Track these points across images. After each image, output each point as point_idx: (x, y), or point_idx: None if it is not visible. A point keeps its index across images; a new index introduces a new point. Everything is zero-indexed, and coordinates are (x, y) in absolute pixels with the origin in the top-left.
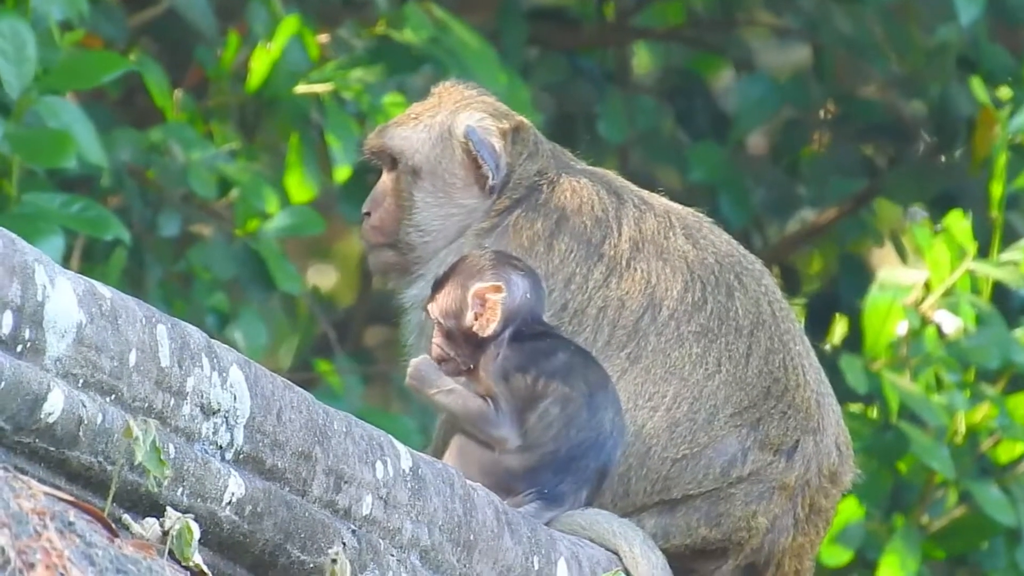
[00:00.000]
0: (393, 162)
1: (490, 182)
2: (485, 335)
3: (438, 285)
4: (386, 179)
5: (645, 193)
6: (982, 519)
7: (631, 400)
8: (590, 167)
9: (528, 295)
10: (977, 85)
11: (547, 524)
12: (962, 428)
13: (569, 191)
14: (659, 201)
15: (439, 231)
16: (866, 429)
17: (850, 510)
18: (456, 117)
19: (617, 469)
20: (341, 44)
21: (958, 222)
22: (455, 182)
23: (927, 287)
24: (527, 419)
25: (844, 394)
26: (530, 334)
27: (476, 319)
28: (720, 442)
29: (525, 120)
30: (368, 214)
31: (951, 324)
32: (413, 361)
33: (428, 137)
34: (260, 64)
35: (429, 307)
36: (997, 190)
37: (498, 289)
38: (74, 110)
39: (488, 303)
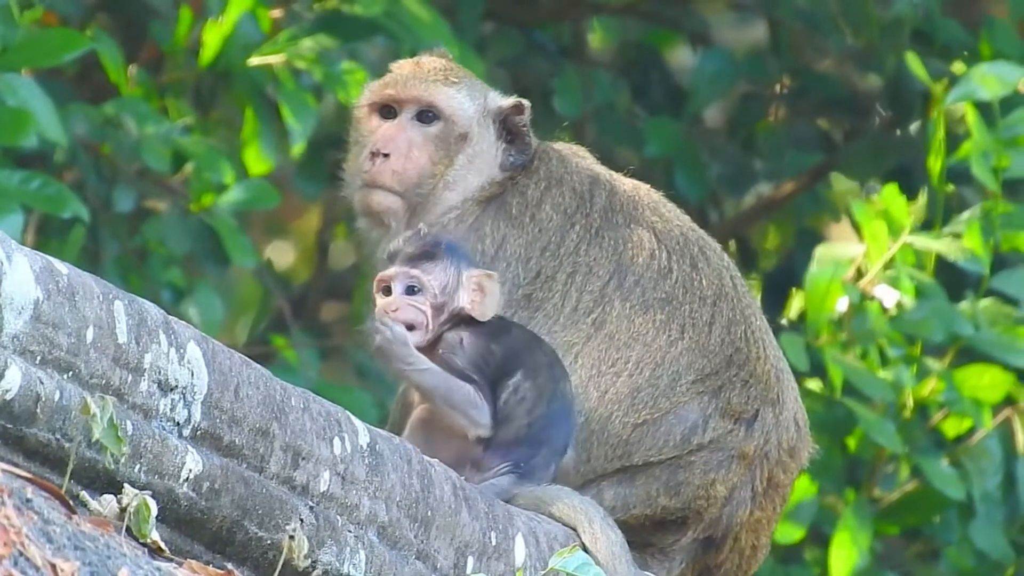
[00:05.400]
0: (430, 117)
1: (516, 162)
2: (483, 319)
3: (430, 255)
4: (413, 129)
5: (612, 172)
6: (934, 493)
7: (595, 366)
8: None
9: None
10: (914, 61)
11: (508, 501)
12: (910, 403)
13: (557, 162)
14: (626, 179)
15: (460, 192)
16: (819, 405)
17: (803, 487)
18: (488, 93)
19: (577, 438)
20: (294, 18)
21: (895, 197)
22: (488, 156)
23: (870, 261)
24: (498, 396)
25: (798, 371)
26: None
27: (473, 304)
28: (682, 408)
29: None
30: (386, 156)
31: (891, 298)
32: (388, 323)
33: (475, 107)
34: (212, 38)
35: (421, 274)
36: (936, 165)
37: (492, 277)
38: (33, 87)
39: (487, 289)
